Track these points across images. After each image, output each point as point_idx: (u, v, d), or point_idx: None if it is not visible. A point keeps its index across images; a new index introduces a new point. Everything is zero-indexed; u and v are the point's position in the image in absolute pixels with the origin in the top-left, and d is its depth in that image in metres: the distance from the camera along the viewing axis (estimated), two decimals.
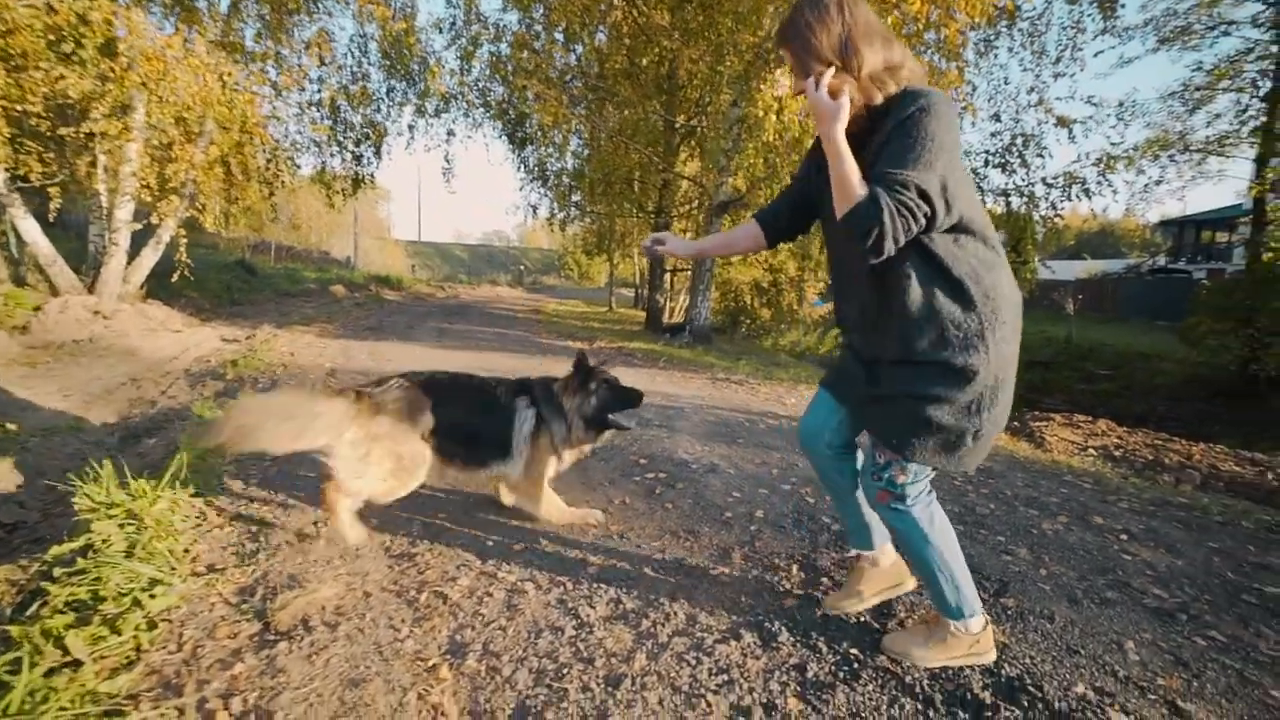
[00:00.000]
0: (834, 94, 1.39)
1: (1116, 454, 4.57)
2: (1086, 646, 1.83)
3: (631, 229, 15.08)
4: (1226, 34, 14.73)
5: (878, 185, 1.34)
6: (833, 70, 1.41)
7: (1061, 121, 8.59)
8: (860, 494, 1.80)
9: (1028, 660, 1.73)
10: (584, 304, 21.98)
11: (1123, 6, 8.31)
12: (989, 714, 1.51)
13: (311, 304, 12.59)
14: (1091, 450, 4.68)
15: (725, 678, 1.62)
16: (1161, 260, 28.65)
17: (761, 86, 6.04)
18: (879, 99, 1.43)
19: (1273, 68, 12.87)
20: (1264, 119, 13.01)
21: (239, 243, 22.69)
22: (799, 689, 1.59)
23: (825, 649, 1.75)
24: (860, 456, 1.78)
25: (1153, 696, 1.63)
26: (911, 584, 1.95)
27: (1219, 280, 17.01)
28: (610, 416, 2.41)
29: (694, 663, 1.68)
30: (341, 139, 11.39)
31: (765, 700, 1.54)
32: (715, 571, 2.17)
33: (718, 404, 5.10)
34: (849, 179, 1.37)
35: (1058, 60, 8.66)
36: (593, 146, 11.77)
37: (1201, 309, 12.79)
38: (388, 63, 10.98)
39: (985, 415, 1.46)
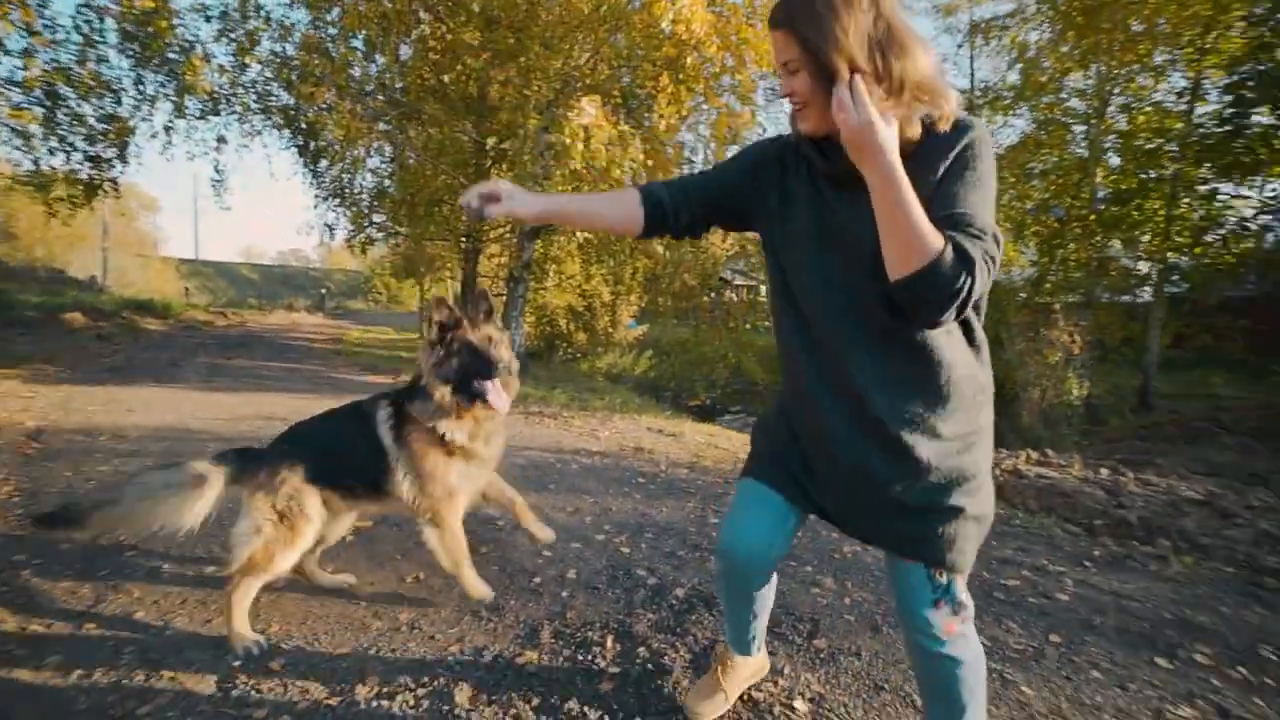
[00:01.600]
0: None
1: None
2: (889, 679, 1.88)
3: (442, 252, 14.26)
4: None
5: (957, 233, 1.02)
6: (862, 81, 1.02)
7: None
8: (765, 597, 1.53)
9: (842, 710, 1.72)
10: (392, 330, 20.32)
11: None
12: None
13: (28, 338, 9.88)
14: None
15: None
16: None
17: (569, 114, 6.01)
18: (917, 123, 1.09)
19: None
20: None
21: None
22: None
23: None
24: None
25: None
26: (766, 667, 1.79)
27: None
28: (476, 385, 1.89)
29: None
30: (65, 133, 9.15)
31: None
32: (521, 660, 1.89)
33: (528, 443, 4.83)
34: (919, 225, 1.00)
35: None
36: (397, 165, 10.89)
37: None
38: (133, 47, 9.07)
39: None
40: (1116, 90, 11.94)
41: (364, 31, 8.31)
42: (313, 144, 10.63)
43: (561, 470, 4.07)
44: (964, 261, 1.00)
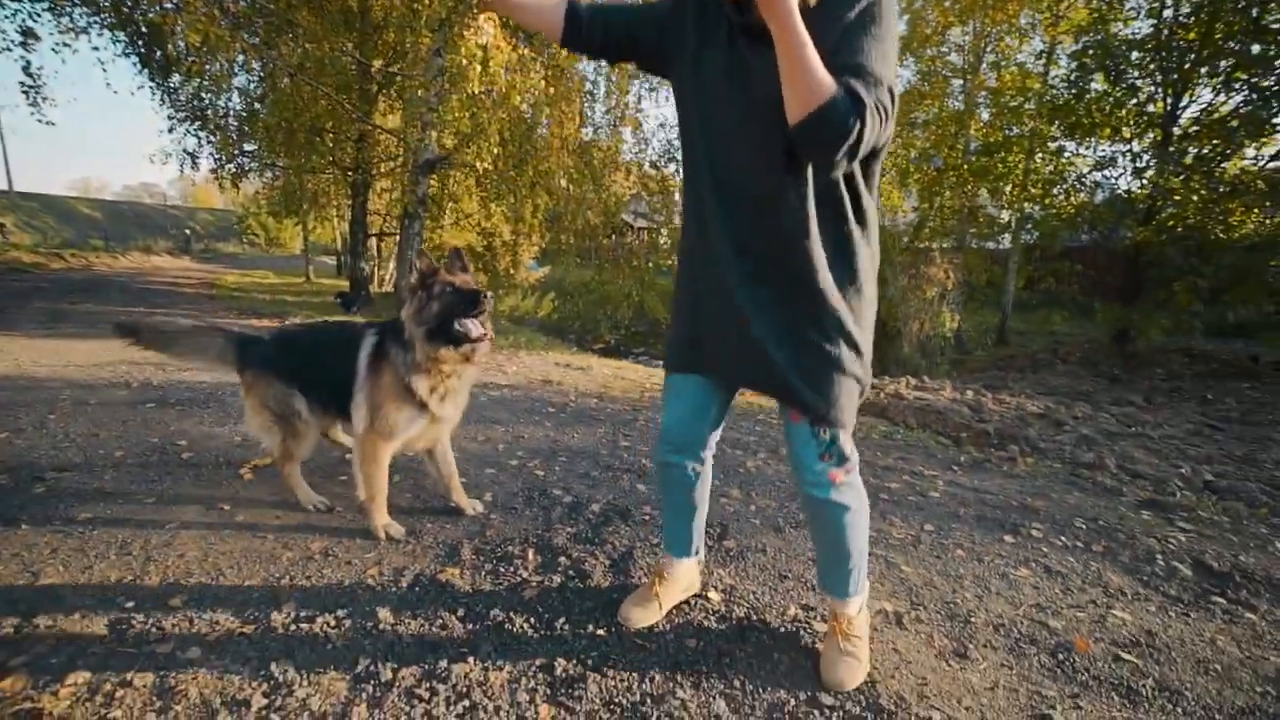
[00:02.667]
0: None
1: None
2: (792, 569, 2.08)
3: (327, 186, 13.03)
4: None
5: (854, 79, 1.07)
6: None
7: None
8: (703, 499, 1.69)
9: (751, 598, 1.88)
10: (273, 274, 18.61)
11: None
12: (726, 660, 1.58)
13: None
14: None
15: (466, 703, 1.40)
16: None
17: (465, 33, 5.58)
18: None
19: None
20: None
21: None
22: (549, 692, 1.45)
23: (571, 638, 1.65)
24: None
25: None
26: (699, 584, 1.86)
27: None
28: (457, 325, 1.94)
29: (427, 696, 1.42)
30: None
31: (515, 717, 1.37)
32: (443, 576, 1.90)
33: None
34: (814, 69, 1.04)
35: None
36: (269, 85, 9.67)
37: None
38: None
39: (868, 363, 1.39)
40: (989, 49, 12.81)
41: None
42: (159, 52, 9.15)
43: (471, 403, 3.99)
44: (855, 104, 1.05)
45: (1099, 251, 11.10)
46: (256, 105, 9.99)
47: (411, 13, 6.58)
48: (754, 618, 1.77)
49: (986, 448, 4.02)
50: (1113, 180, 10.71)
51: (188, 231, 33.14)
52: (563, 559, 2.05)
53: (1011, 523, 2.59)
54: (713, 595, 1.88)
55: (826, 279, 1.26)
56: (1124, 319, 9.30)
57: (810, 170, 1.21)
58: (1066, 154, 11.06)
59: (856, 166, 1.22)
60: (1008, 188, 12.26)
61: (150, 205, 45.13)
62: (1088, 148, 10.73)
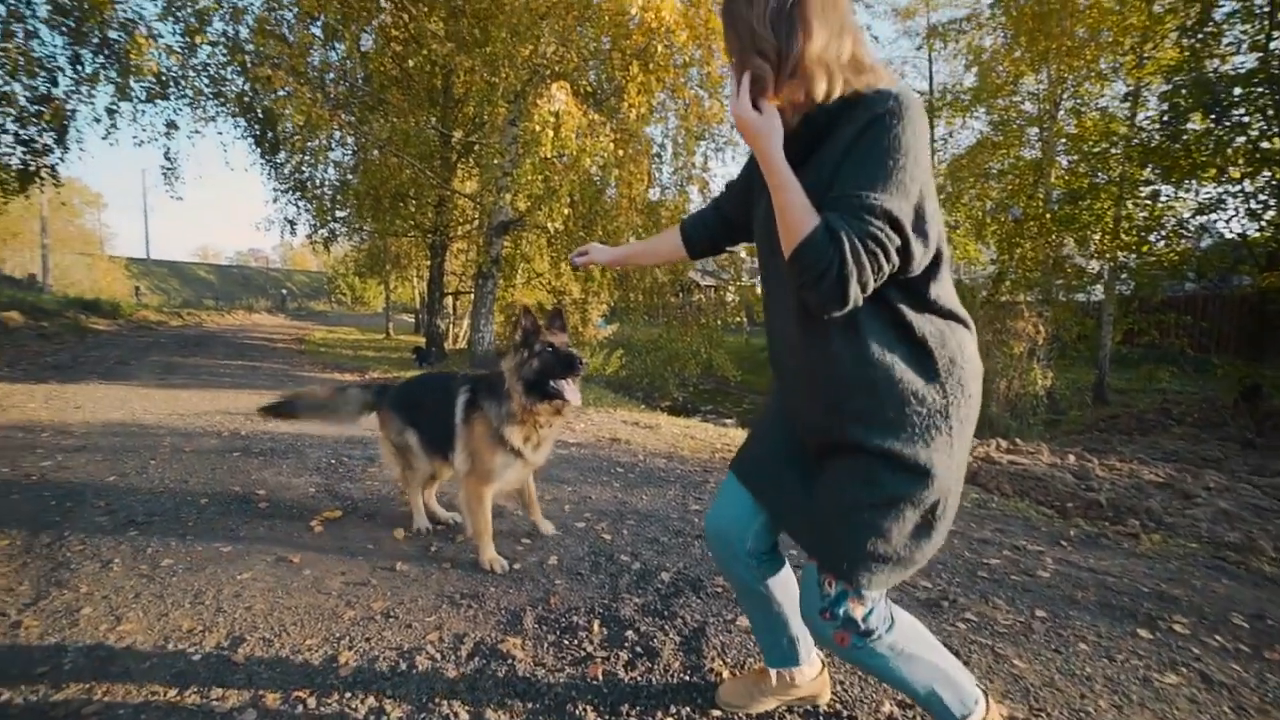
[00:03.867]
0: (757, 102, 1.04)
1: None
2: None
3: (408, 248, 13.89)
4: None
5: (833, 213, 0.99)
6: (749, 77, 1.04)
7: None
8: (773, 595, 1.43)
9: (840, 689, 1.67)
10: (357, 331, 19.80)
11: None
12: None
13: None
14: None
15: None
16: None
17: (538, 101, 5.89)
18: (825, 93, 1.04)
19: (929, 141, 16.67)
20: None
21: None
22: None
23: None
24: (784, 567, 1.44)
25: None
26: (828, 695, 1.59)
27: None
28: (553, 384, 2.12)
29: None
30: None
31: None
32: (504, 646, 1.80)
33: None
34: (794, 208, 1.01)
35: None
36: (360, 157, 10.55)
37: None
38: (68, 21, 8.52)
39: (941, 523, 1.12)
40: (1066, 95, 12.39)
41: (323, 16, 8.02)
42: (270, 133, 10.22)
43: None
44: (832, 241, 0.96)
45: (1211, 300, 10.15)
46: (349, 175, 10.89)
47: (490, 86, 7.04)
48: (844, 714, 1.56)
49: (1099, 521, 3.58)
50: (1221, 224, 9.89)
51: (284, 291, 36.11)
52: (630, 633, 1.91)
53: (1145, 613, 2.23)
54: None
55: (851, 411, 1.10)
56: (1252, 374, 8.34)
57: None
58: (1163, 199, 10.35)
59: (896, 294, 1.07)
60: (1096, 236, 11.55)
61: (255, 268, 49.72)
62: (1187, 190, 10.00)
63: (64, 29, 8.64)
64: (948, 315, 1.12)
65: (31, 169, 9.16)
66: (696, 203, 11.61)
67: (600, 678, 1.68)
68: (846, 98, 1.04)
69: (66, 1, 8.24)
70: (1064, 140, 12.24)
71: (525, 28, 6.71)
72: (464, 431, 2.32)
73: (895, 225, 0.98)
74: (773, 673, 1.50)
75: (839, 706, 1.59)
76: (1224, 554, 3.03)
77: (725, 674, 1.71)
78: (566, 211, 7.32)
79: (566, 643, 1.84)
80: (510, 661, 1.73)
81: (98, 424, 4.38)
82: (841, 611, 1.16)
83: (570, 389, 2.13)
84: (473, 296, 10.46)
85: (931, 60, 17.20)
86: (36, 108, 8.82)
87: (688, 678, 1.68)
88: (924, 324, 1.08)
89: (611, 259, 1.71)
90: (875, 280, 1.00)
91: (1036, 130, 13.08)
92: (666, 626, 1.95)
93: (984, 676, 1.78)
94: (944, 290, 1.11)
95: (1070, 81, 12.01)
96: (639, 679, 1.68)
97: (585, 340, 15.96)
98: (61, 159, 9.44)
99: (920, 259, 1.04)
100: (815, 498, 1.18)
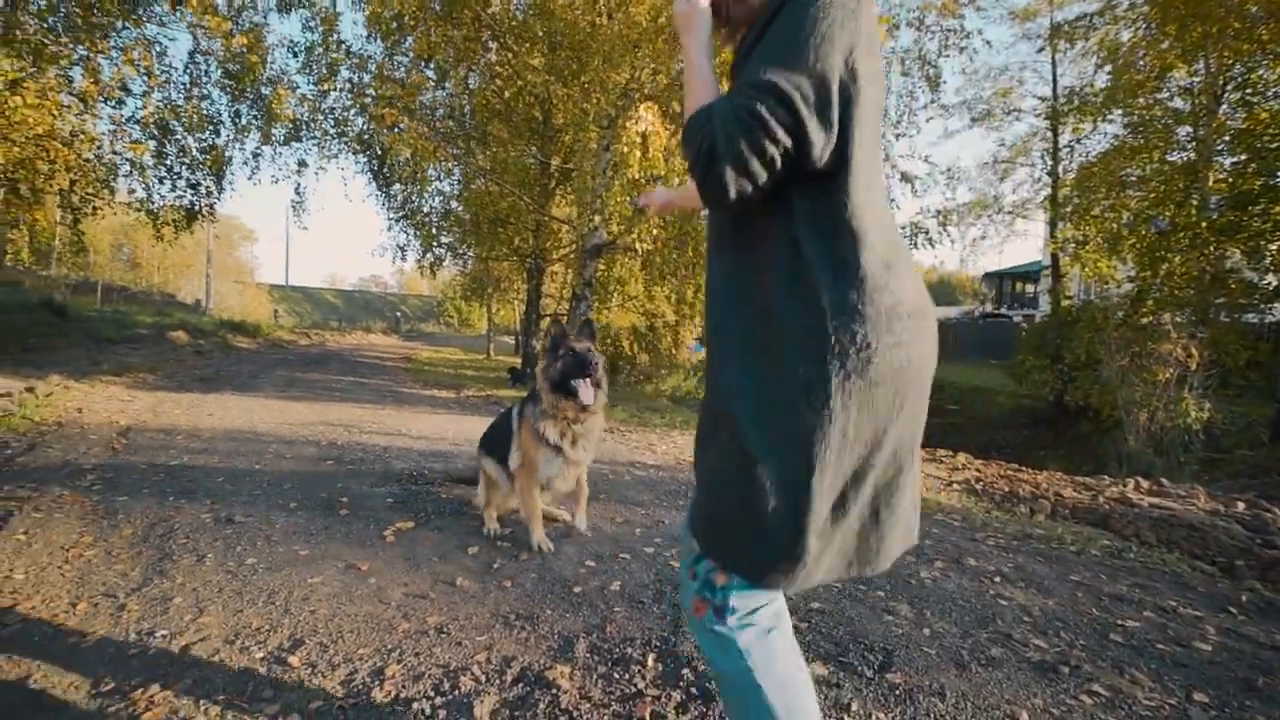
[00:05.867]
0: None
1: (977, 487, 4.67)
2: None
3: (508, 272, 14.54)
4: (1019, 119, 17.54)
5: (726, 95, 0.90)
6: None
7: (904, 177, 9.36)
8: None
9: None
10: (461, 351, 20.95)
11: (944, 83, 9.34)
12: None
13: (139, 352, 10.69)
14: (955, 485, 4.77)
15: None
16: (988, 306, 32.83)
17: (627, 124, 5.96)
18: None
19: (1052, 149, 15.23)
20: (1050, 190, 15.27)
21: (54, 282, 19.61)
22: None
23: None
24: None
25: None
26: None
27: (1033, 324, 19.46)
28: (572, 383, 2.39)
29: None
30: (172, 163, 10.01)
31: None
32: (551, 674, 1.69)
33: None
34: (693, 94, 0.97)
35: (898, 122, 9.51)
36: (464, 186, 11.23)
37: (1023, 348, 14.43)
38: (231, 83, 9.88)
39: (817, 526, 0.90)
40: (1230, 85, 10.86)
41: (435, 58, 8.66)
42: (384, 167, 11.15)
43: (614, 481, 3.88)
44: (708, 119, 0.87)
45: None
46: (453, 203, 11.60)
47: (583, 113, 7.23)
48: None
49: None
50: None
51: (398, 314, 39.11)
52: (686, 671, 1.74)
53: None
54: None
55: (728, 352, 0.99)
56: None
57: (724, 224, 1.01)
58: None
59: (798, 204, 0.91)
60: (1273, 246, 9.92)
61: (375, 293, 54.43)
62: None
63: (229, 89, 10.02)
64: (872, 225, 0.91)
65: (196, 208, 10.55)
66: None
67: (648, 718, 1.53)
68: None
69: (232, 66, 9.52)
70: (1227, 137, 10.70)
71: (619, 55, 6.86)
72: (516, 434, 2.63)
73: (783, 99, 0.84)
74: None
75: None
76: None
77: None
78: (656, 232, 7.32)
79: (617, 676, 1.71)
80: (555, 691, 1.62)
81: (221, 430, 4.83)
82: (702, 571, 1.01)
83: (584, 389, 2.37)
84: (567, 319, 10.73)
85: (1055, 63, 15.79)
86: (203, 156, 10.21)
87: None
88: (823, 264, 0.89)
89: (665, 199, 1.62)
90: (762, 165, 0.85)
91: (1188, 129, 11.58)
92: None
93: None
94: (865, 229, 0.90)
95: (1238, 69, 10.51)
96: None
97: (679, 363, 15.90)
98: (219, 198, 10.81)
99: (820, 147, 0.87)
100: (699, 454, 1.07)
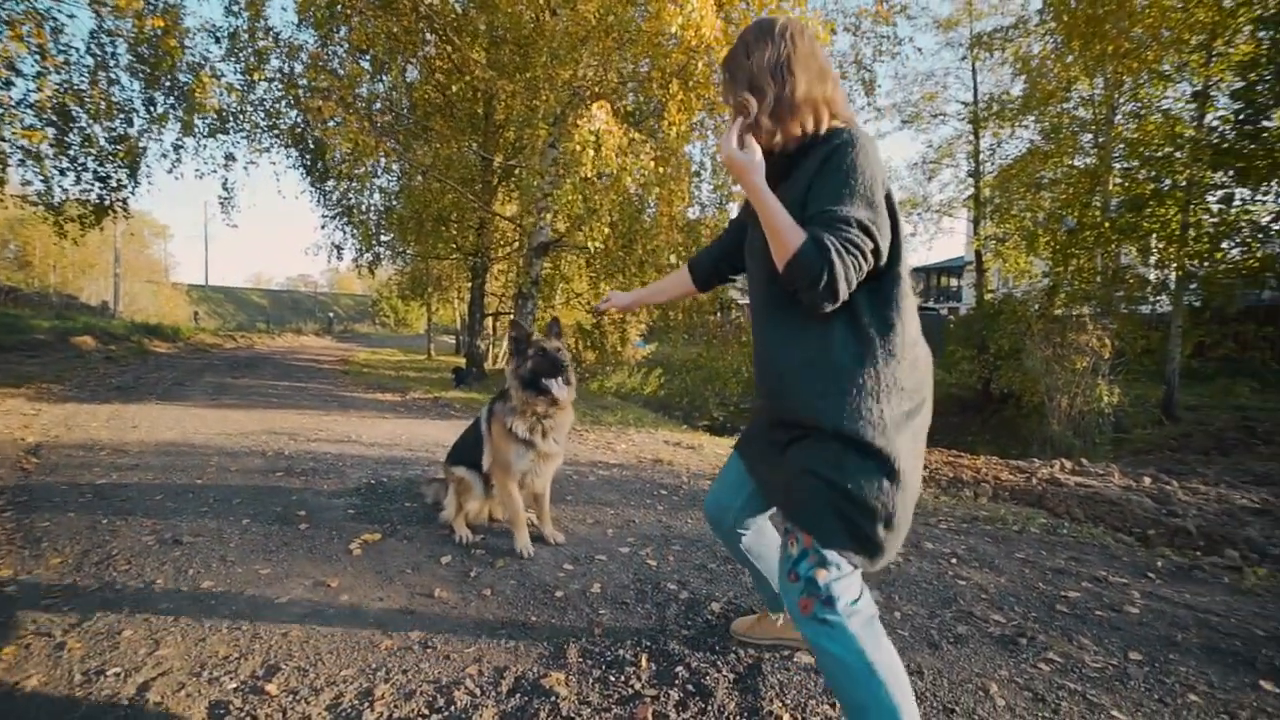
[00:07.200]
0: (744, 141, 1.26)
1: (923, 473, 4.93)
2: (960, 700, 1.67)
3: (449, 271, 14.16)
4: (944, 122, 18.55)
5: (815, 227, 1.18)
6: (740, 121, 1.27)
7: None
8: (765, 562, 1.72)
9: None
10: (400, 352, 20.27)
11: (879, 87, 9.76)
12: None
13: (38, 360, 9.75)
14: None
15: None
16: (917, 300, 34.73)
17: (579, 122, 5.91)
18: (801, 130, 1.29)
19: (974, 152, 16.19)
20: (973, 190, 16.24)
21: None
22: None
23: None
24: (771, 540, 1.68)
25: None
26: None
27: (959, 316, 20.63)
28: (543, 381, 2.43)
29: None
30: (76, 154, 9.15)
31: None
32: (546, 682, 1.68)
33: None
34: (783, 228, 1.20)
35: None
36: (404, 183, 10.85)
37: (952, 340, 15.29)
38: (145, 68, 9.11)
39: (897, 497, 1.22)
40: (1124, 98, 11.84)
41: (372, 50, 8.31)
42: (320, 162, 10.61)
43: (579, 482, 3.87)
44: (820, 250, 1.15)
45: None
46: (393, 201, 11.18)
47: (530, 110, 7.12)
48: None
49: (1188, 550, 3.27)
50: None
51: (331, 315, 37.39)
52: (680, 669, 1.77)
53: (1266, 661, 1.96)
54: None
55: (804, 394, 1.27)
56: None
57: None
58: (1238, 202, 9.71)
59: (861, 296, 1.25)
60: (1160, 244, 10.91)
61: (304, 293, 51.75)
62: (1266, 193, 9.36)
63: (140, 75, 9.22)
64: (902, 309, 1.27)
65: (106, 203, 9.70)
66: None
67: (650, 718, 1.55)
68: (815, 135, 1.29)
69: (145, 50, 8.77)
70: (1122, 146, 11.69)
71: (565, 52, 6.79)
72: (487, 435, 2.66)
73: (865, 230, 1.18)
74: (772, 616, 1.88)
75: None
76: None
77: (786, 718, 1.56)
78: (607, 231, 7.31)
79: (613, 679, 1.72)
80: (553, 699, 1.62)
81: (151, 443, 4.50)
82: (804, 571, 1.24)
83: (557, 386, 2.44)
84: (512, 317, 10.55)
85: (975, 71, 16.75)
86: (114, 147, 9.38)
87: None
88: (869, 316, 1.25)
89: (630, 302, 1.95)
90: (858, 276, 1.19)
91: (1091, 137, 12.56)
92: (719, 663, 1.81)
93: None
94: (904, 303, 1.27)
95: (1129, 85, 11.49)
96: None
97: (625, 360, 15.93)
98: (132, 193, 9.98)
99: (883, 254, 1.22)
100: (786, 465, 1.31)
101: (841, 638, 1.21)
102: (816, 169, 1.24)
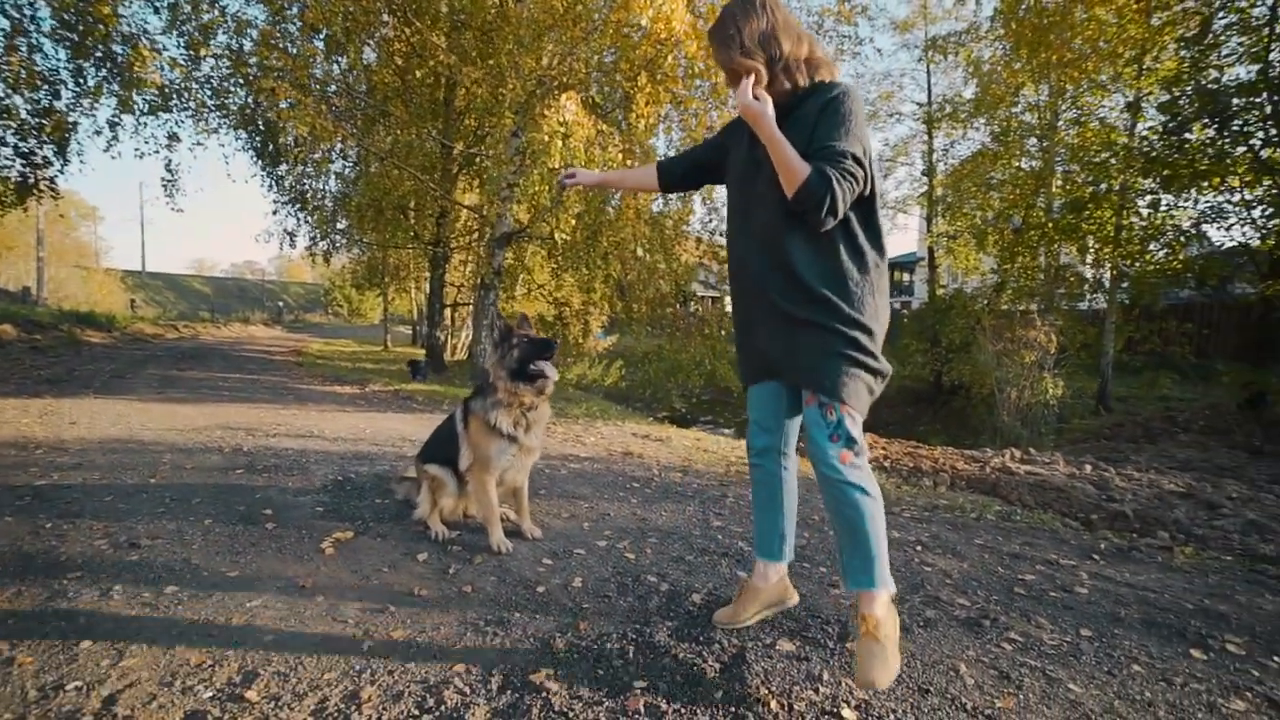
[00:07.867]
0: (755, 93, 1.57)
1: (885, 464, 5.11)
2: (934, 681, 1.75)
3: (407, 260, 13.80)
4: (900, 121, 19.18)
5: (819, 160, 1.51)
6: (753, 77, 1.58)
7: None
8: (788, 499, 1.92)
9: (891, 716, 1.57)
10: (354, 343, 19.68)
11: None
12: None
13: None
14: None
15: None
16: None
17: (547, 112, 5.84)
18: (791, 85, 1.64)
19: (928, 151, 16.74)
20: (926, 188, 16.80)
21: None
22: None
23: None
24: (790, 440, 1.92)
25: None
26: (794, 599, 2.04)
27: (912, 310, 21.35)
28: (533, 366, 2.45)
29: None
30: None
31: None
32: (536, 679, 1.69)
33: None
34: (793, 162, 1.51)
35: None
36: (361, 169, 10.49)
37: (906, 333, 15.83)
38: (71, 35, 8.47)
39: (881, 361, 1.65)
40: (1066, 105, 12.44)
41: (326, 30, 7.98)
42: (271, 145, 10.15)
43: (551, 475, 3.87)
44: (824, 179, 1.49)
45: (1212, 308, 10.13)
46: (350, 188, 10.80)
47: (495, 98, 6.99)
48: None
49: (1126, 533, 3.50)
50: (1222, 232, 9.89)
51: (280, 304, 35.94)
52: (667, 660, 1.81)
53: (1195, 632, 2.14)
54: (846, 714, 1.58)
55: (823, 292, 1.61)
56: (1257, 381, 8.31)
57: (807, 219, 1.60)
58: (1164, 207, 10.37)
59: (852, 214, 1.61)
60: (1096, 245, 11.55)
61: (251, 281, 49.54)
62: (1187, 200, 10.01)
63: (67, 43, 8.58)
64: (877, 238, 1.68)
65: (30, 182, 9.05)
66: (700, 214, 11.60)
67: (642, 710, 1.58)
68: (810, 85, 1.65)
69: (70, 16, 8.18)
70: (1064, 150, 12.28)
71: (530, 40, 6.68)
72: (464, 433, 2.64)
73: (858, 161, 1.52)
74: (752, 570, 2.00)
75: None
76: (1261, 568, 2.95)
77: (774, 703, 1.62)
78: (573, 222, 7.26)
79: (602, 672, 1.74)
80: (545, 694, 1.63)
81: (94, 440, 4.26)
82: (842, 430, 1.59)
83: (549, 367, 2.47)
84: (472, 308, 10.37)
85: (930, 72, 17.28)
86: (38, 121, 8.74)
87: (735, 709, 1.58)
88: (861, 236, 1.64)
89: (595, 180, 2.24)
90: (852, 198, 1.54)
91: (1037, 141, 13.14)
92: (704, 652, 1.85)
93: (1041, 702, 1.69)
94: (877, 220, 1.68)
95: (1070, 93, 12.07)
96: (683, 710, 1.57)
97: (586, 351, 15.87)
98: (61, 172, 9.34)
99: (867, 185, 1.58)
100: (802, 352, 1.64)
101: (868, 478, 1.61)
102: (817, 114, 1.57)
